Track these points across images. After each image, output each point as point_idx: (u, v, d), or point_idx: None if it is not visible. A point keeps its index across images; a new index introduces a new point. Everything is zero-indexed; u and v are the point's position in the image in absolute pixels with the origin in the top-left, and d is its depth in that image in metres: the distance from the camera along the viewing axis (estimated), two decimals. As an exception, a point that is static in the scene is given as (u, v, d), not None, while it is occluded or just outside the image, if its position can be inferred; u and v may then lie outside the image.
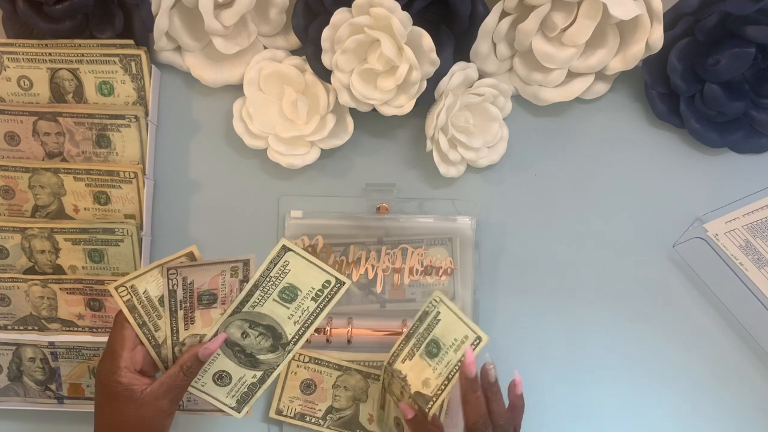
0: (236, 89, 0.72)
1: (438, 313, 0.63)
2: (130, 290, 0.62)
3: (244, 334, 0.63)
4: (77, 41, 0.70)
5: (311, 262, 0.62)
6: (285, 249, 0.62)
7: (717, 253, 0.68)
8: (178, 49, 0.72)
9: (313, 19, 0.68)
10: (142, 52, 0.70)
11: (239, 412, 0.64)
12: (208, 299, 0.63)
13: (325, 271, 0.62)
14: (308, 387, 0.71)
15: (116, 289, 0.62)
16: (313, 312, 0.63)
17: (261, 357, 0.63)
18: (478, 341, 0.61)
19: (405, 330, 0.65)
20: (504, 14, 0.69)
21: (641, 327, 0.72)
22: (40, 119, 0.70)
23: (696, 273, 0.72)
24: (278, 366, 0.64)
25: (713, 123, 0.71)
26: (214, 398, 0.64)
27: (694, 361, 0.72)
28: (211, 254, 0.73)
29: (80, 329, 0.71)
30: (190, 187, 0.74)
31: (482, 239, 0.73)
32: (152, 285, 0.62)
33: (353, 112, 0.71)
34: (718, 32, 0.67)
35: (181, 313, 0.62)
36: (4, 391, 0.72)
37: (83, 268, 0.71)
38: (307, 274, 0.62)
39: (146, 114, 0.71)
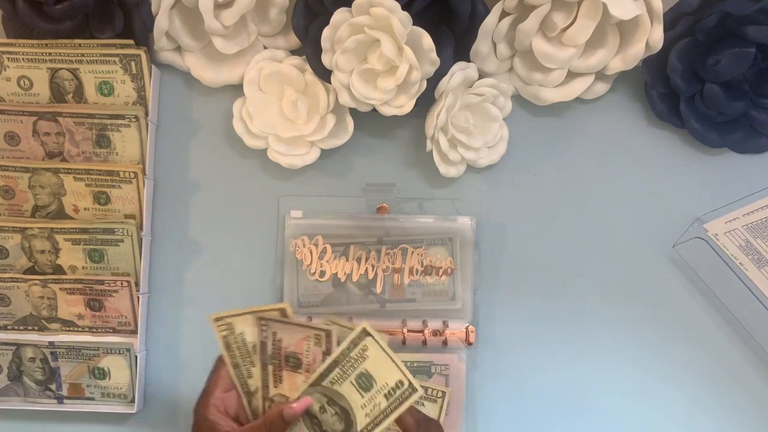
0: (236, 89, 0.72)
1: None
2: (227, 327, 0.60)
3: (322, 409, 0.60)
4: (77, 41, 0.70)
5: (388, 356, 0.58)
6: (365, 333, 0.58)
7: (717, 253, 0.68)
8: (178, 49, 0.72)
9: (313, 19, 0.68)
10: (142, 52, 0.70)
11: None
12: (294, 362, 0.60)
13: (400, 370, 0.58)
14: None
15: (215, 320, 0.60)
16: (383, 411, 0.58)
17: None
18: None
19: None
20: (504, 14, 0.68)
21: (641, 327, 0.72)
22: (40, 119, 0.70)
23: (696, 273, 0.72)
24: None
25: (713, 123, 0.71)
26: None
27: (694, 360, 0.72)
28: (212, 254, 0.74)
29: (80, 329, 0.71)
30: (190, 187, 0.74)
31: (482, 239, 0.73)
32: (248, 329, 0.60)
33: (353, 112, 0.71)
34: (718, 32, 0.67)
35: (270, 368, 0.60)
36: (4, 391, 0.72)
37: (83, 268, 0.71)
38: (383, 367, 0.58)
39: (146, 114, 0.71)
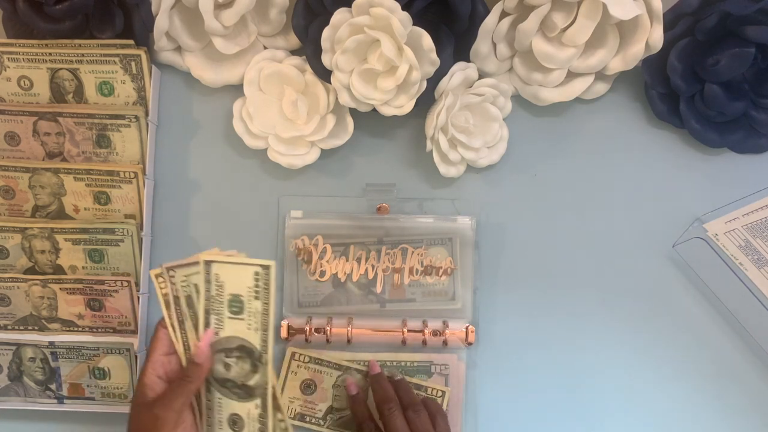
0: (236, 89, 0.72)
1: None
2: (168, 282, 0.60)
3: (227, 366, 0.60)
4: (77, 41, 0.70)
5: (233, 263, 0.59)
6: (207, 263, 0.59)
7: (717, 253, 0.68)
8: (178, 49, 0.72)
9: (313, 19, 0.68)
10: (142, 52, 0.70)
11: None
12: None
13: (247, 264, 0.58)
14: (308, 387, 0.71)
15: (156, 276, 0.60)
16: (263, 312, 0.59)
17: (251, 383, 0.61)
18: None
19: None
20: (504, 14, 0.69)
21: (641, 327, 0.72)
22: (40, 119, 0.70)
23: (696, 273, 0.72)
24: (267, 383, 0.60)
25: (713, 123, 0.71)
26: None
27: (694, 360, 0.72)
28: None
29: (80, 329, 0.71)
30: (190, 187, 0.74)
31: (482, 239, 0.73)
32: (191, 282, 0.60)
33: (353, 112, 0.71)
34: (718, 32, 0.67)
35: (213, 317, 0.60)
36: (4, 391, 0.72)
37: (83, 268, 0.71)
38: (237, 277, 0.59)
39: (146, 114, 0.71)
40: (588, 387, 0.72)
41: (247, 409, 0.61)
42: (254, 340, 0.60)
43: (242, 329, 0.60)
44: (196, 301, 0.60)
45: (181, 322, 0.61)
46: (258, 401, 0.61)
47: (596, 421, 0.72)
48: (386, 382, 0.67)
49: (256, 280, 0.59)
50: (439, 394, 0.70)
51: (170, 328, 0.61)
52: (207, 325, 0.60)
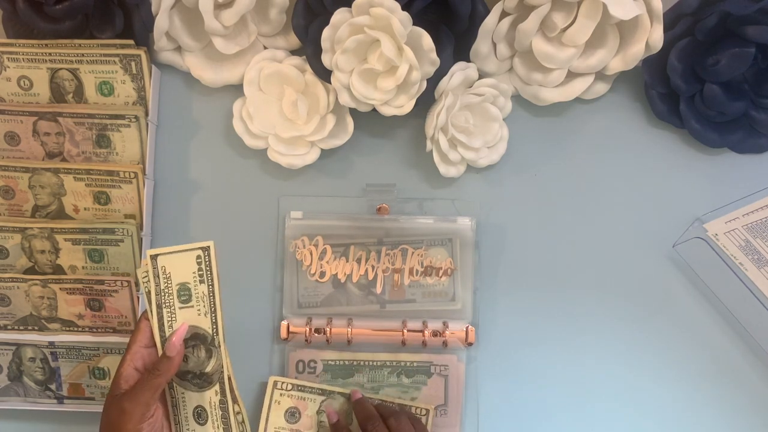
0: (236, 89, 0.72)
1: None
2: (148, 277, 0.60)
3: (185, 358, 0.61)
4: (77, 41, 0.70)
5: (175, 251, 0.59)
6: (153, 258, 0.59)
7: (717, 253, 0.68)
8: (178, 49, 0.72)
9: (313, 19, 0.68)
10: (142, 52, 0.70)
11: None
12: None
13: (188, 250, 0.59)
14: (293, 415, 0.70)
15: (141, 274, 0.60)
16: (208, 293, 0.59)
17: (207, 370, 0.61)
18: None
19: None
20: (504, 14, 0.69)
21: (641, 327, 0.72)
22: (40, 119, 0.70)
23: (696, 273, 0.72)
24: (223, 367, 0.61)
25: (713, 123, 0.71)
26: None
27: (694, 360, 0.72)
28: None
29: (80, 329, 0.71)
30: (190, 187, 0.74)
31: (482, 239, 0.73)
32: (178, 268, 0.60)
33: (353, 112, 0.71)
34: (718, 32, 0.67)
35: (165, 310, 0.61)
36: (4, 391, 0.72)
37: (83, 268, 0.71)
38: (181, 265, 0.59)
39: (146, 114, 0.71)
40: (588, 387, 0.72)
41: (209, 398, 0.62)
42: (205, 324, 0.60)
43: (193, 317, 0.60)
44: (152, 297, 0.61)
45: (159, 307, 0.61)
46: (217, 387, 0.61)
47: (596, 421, 0.72)
48: (368, 404, 0.68)
49: (198, 263, 0.59)
50: (423, 412, 0.70)
51: (152, 321, 0.61)
52: (160, 320, 0.60)
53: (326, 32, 0.65)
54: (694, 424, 0.72)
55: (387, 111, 0.68)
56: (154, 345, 0.61)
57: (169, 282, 0.60)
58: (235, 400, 0.62)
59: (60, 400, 0.72)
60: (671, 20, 0.69)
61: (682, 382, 0.72)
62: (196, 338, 0.61)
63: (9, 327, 0.72)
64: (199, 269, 0.59)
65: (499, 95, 0.70)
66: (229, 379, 0.62)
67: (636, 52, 0.67)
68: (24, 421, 0.74)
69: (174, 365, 0.59)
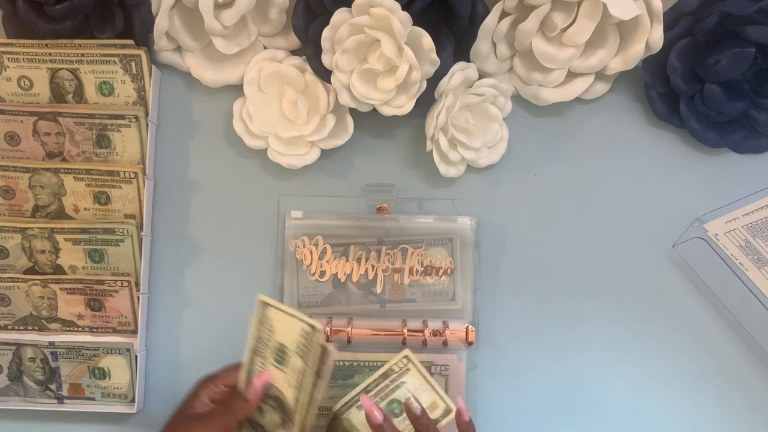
0: (236, 89, 0.72)
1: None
2: (264, 315, 0.59)
3: (261, 411, 0.60)
4: (77, 41, 0.70)
5: (285, 312, 0.58)
6: (263, 305, 0.58)
7: (717, 253, 0.68)
8: (178, 49, 0.72)
9: (313, 19, 0.68)
10: (142, 52, 0.70)
11: None
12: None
13: (298, 318, 0.57)
14: None
15: (263, 303, 0.59)
16: (300, 370, 0.57)
17: None
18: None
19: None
20: (504, 14, 0.68)
21: (641, 327, 0.72)
22: (40, 119, 0.70)
23: (696, 273, 0.72)
24: None
25: (713, 123, 0.71)
26: None
27: (694, 360, 0.72)
28: (212, 254, 0.74)
29: (80, 329, 0.71)
30: (190, 187, 0.74)
31: (482, 239, 0.73)
32: (278, 327, 0.59)
33: (353, 112, 0.71)
34: (718, 32, 0.67)
35: (258, 359, 0.60)
36: (4, 391, 0.72)
37: (83, 268, 0.71)
38: (287, 327, 0.58)
39: (146, 114, 0.71)
40: (588, 386, 0.72)
41: None
42: (289, 395, 0.58)
43: (281, 380, 0.59)
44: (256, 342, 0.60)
45: (256, 351, 0.61)
46: None
47: (596, 421, 0.72)
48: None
49: (302, 337, 0.57)
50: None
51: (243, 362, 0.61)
52: (250, 364, 0.60)
53: (326, 32, 0.65)
54: (693, 424, 0.72)
55: (387, 111, 0.68)
56: (235, 388, 0.61)
57: (272, 336, 0.59)
58: None
59: (60, 400, 0.72)
60: (671, 20, 0.68)
61: (682, 381, 0.72)
62: (276, 401, 0.60)
63: (9, 327, 0.72)
64: (301, 343, 0.57)
65: (499, 95, 0.70)
66: None
67: (636, 52, 0.67)
68: (24, 421, 0.74)
69: (249, 408, 0.59)
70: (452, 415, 0.60)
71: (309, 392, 0.57)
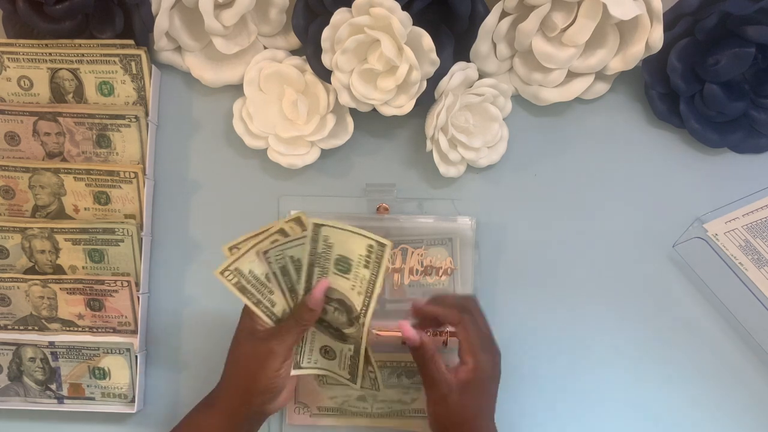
0: (236, 89, 0.72)
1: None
2: (235, 273, 0.62)
3: (323, 310, 0.63)
4: (77, 41, 0.70)
5: (348, 231, 0.60)
6: (318, 226, 0.60)
7: (717, 253, 0.68)
8: (178, 49, 0.72)
9: (313, 19, 0.68)
10: (142, 52, 0.70)
11: (355, 383, 0.65)
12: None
13: (365, 236, 0.60)
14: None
15: (222, 274, 0.61)
16: (369, 280, 0.61)
17: (345, 331, 0.64)
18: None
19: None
20: (504, 14, 0.69)
21: (641, 327, 0.72)
22: (40, 119, 0.70)
23: (696, 273, 0.72)
24: (362, 338, 0.63)
25: (713, 123, 0.71)
26: (329, 371, 0.66)
27: (694, 360, 0.72)
28: (212, 254, 0.74)
29: (80, 329, 0.71)
30: (190, 187, 0.74)
31: (482, 239, 0.73)
32: (255, 264, 0.62)
33: (353, 112, 0.71)
34: (718, 32, 0.67)
35: (317, 269, 0.62)
36: (4, 391, 0.72)
37: (83, 268, 0.71)
38: (350, 243, 0.61)
39: (146, 114, 0.71)
40: (588, 386, 0.72)
41: (341, 347, 0.65)
42: (356, 300, 0.62)
43: (346, 287, 0.62)
44: (291, 269, 0.63)
45: (284, 290, 0.64)
46: (351, 347, 0.64)
47: (597, 421, 0.72)
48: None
49: (369, 251, 0.60)
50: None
51: (264, 302, 0.63)
52: (309, 275, 0.62)
53: (326, 32, 0.65)
54: (693, 423, 0.72)
55: (387, 111, 0.68)
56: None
57: (330, 250, 0.61)
58: (368, 362, 0.64)
59: (60, 400, 0.72)
60: (671, 20, 0.68)
61: (682, 382, 0.72)
62: (341, 304, 0.63)
63: (9, 327, 0.72)
64: (368, 255, 0.60)
65: (499, 95, 0.70)
66: (366, 350, 0.64)
67: (636, 52, 0.67)
68: (24, 421, 0.74)
69: (315, 316, 0.63)
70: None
71: (376, 297, 0.62)
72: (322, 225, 0.60)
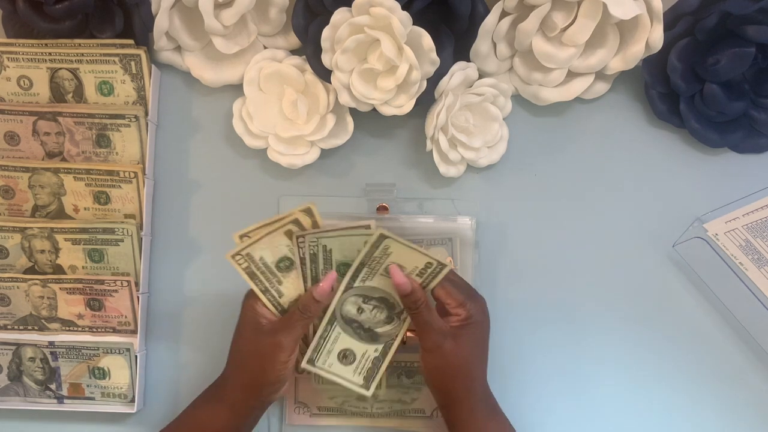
0: (236, 89, 0.72)
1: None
2: (246, 258, 0.62)
3: (360, 310, 0.63)
4: (77, 41, 0.70)
5: (411, 248, 0.61)
6: (383, 237, 0.61)
7: (717, 253, 0.68)
8: (178, 49, 0.72)
9: (313, 19, 0.68)
10: (142, 52, 0.70)
11: (368, 390, 0.65)
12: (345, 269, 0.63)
13: (426, 255, 0.61)
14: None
15: (233, 257, 0.62)
16: (421, 283, 0.62)
17: (379, 330, 0.64)
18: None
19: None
20: (504, 14, 0.69)
21: (641, 327, 0.72)
22: (40, 119, 0.70)
23: (696, 273, 0.72)
24: (397, 336, 0.64)
25: (713, 123, 0.71)
26: (341, 377, 0.65)
27: (694, 361, 0.72)
28: (212, 254, 0.74)
29: (80, 329, 0.71)
30: (190, 187, 0.74)
31: (482, 239, 0.73)
32: (267, 251, 0.62)
33: (353, 112, 0.71)
34: (718, 32, 0.67)
35: (365, 269, 0.63)
36: (4, 391, 0.72)
37: (83, 267, 0.71)
38: (409, 257, 0.61)
39: (146, 114, 0.71)
40: (588, 386, 0.72)
41: (365, 349, 0.65)
42: (399, 298, 0.63)
43: (390, 284, 0.62)
44: (320, 258, 0.63)
45: (307, 278, 0.64)
46: (379, 347, 0.65)
47: (597, 421, 0.72)
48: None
49: (427, 267, 0.61)
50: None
51: (272, 290, 0.64)
52: (356, 273, 0.63)
53: (326, 32, 0.65)
54: (693, 424, 0.72)
55: (387, 111, 0.68)
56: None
57: (386, 256, 0.62)
58: (386, 365, 0.65)
59: (60, 400, 0.72)
60: (671, 20, 0.69)
61: (682, 382, 0.72)
62: (382, 301, 0.64)
63: (9, 327, 0.72)
64: (424, 270, 0.62)
65: (499, 95, 0.70)
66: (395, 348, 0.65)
67: (636, 51, 0.67)
68: (24, 421, 0.74)
69: (320, 308, 0.62)
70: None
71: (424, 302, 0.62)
72: (386, 237, 0.61)
